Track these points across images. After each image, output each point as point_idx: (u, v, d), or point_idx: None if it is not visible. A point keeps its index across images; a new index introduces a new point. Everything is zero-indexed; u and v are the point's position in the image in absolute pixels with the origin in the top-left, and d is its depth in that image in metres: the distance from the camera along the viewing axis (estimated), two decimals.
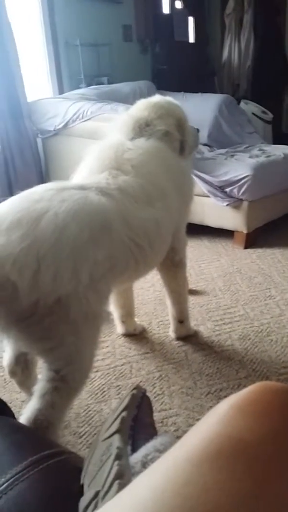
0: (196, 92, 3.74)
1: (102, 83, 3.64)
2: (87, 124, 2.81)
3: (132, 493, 0.42)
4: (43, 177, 3.19)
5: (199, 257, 2.68)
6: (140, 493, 0.40)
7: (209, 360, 1.74)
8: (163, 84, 4.06)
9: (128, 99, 3.37)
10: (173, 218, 1.51)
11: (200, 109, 3.59)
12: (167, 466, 0.42)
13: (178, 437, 0.47)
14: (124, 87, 3.52)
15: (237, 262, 2.59)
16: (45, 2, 3.30)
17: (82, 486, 0.58)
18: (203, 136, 3.50)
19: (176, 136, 1.61)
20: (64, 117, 2.88)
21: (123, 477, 0.52)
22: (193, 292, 2.27)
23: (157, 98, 1.68)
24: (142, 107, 1.62)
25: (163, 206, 1.37)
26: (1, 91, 2.88)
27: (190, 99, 3.69)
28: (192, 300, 2.20)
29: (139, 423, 0.64)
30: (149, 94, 3.70)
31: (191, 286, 2.31)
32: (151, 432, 0.64)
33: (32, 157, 3.07)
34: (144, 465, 0.54)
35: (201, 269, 2.52)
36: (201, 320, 2.02)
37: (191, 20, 4.90)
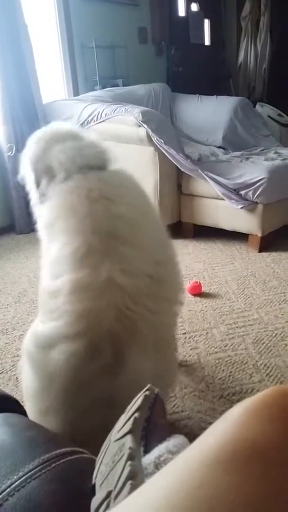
0: (211, 94, 3.74)
1: (117, 85, 3.64)
2: (101, 126, 2.81)
3: (146, 494, 0.41)
4: None
5: (213, 260, 2.67)
6: (153, 495, 0.40)
7: (222, 363, 1.73)
8: (178, 86, 4.06)
9: (143, 101, 3.38)
10: None
11: (215, 111, 3.58)
12: (181, 467, 0.42)
13: (190, 441, 0.46)
14: (139, 89, 3.53)
15: (251, 266, 2.57)
16: (61, 4, 3.32)
17: (94, 486, 0.58)
18: (218, 138, 3.49)
19: None
20: (79, 119, 2.89)
21: (136, 478, 0.52)
22: (206, 295, 2.26)
23: None
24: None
25: None
26: (16, 93, 2.90)
27: (205, 102, 3.68)
28: (205, 303, 2.18)
29: (152, 425, 0.63)
30: (163, 96, 3.73)
31: (204, 289, 2.30)
32: (164, 433, 0.64)
33: None
34: (157, 466, 0.54)
35: (215, 272, 2.51)
36: (214, 323, 2.01)
37: (206, 22, 4.90)
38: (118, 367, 1.01)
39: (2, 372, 1.73)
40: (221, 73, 5.20)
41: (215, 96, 3.71)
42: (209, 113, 3.60)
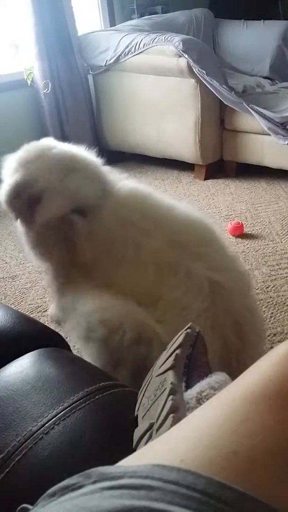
0: (258, 19, 3.43)
1: (156, 13, 3.41)
2: (140, 58, 2.67)
3: (188, 427, 0.41)
4: (94, 117, 3.12)
5: (256, 200, 2.57)
6: (195, 428, 0.40)
7: (263, 304, 1.71)
8: (221, 11, 3.74)
9: (184, 29, 3.16)
10: None
11: (262, 38, 3.31)
12: (224, 402, 0.41)
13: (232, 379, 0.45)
14: (179, 16, 3.29)
15: None
16: None
17: (136, 418, 0.59)
18: (265, 68, 3.26)
19: None
20: (116, 51, 2.75)
21: (178, 411, 0.52)
22: (248, 236, 2.20)
23: None
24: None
25: None
26: (51, 24, 2.76)
27: (251, 27, 3.40)
28: (247, 244, 2.14)
29: (193, 361, 0.63)
30: (206, 23, 3.47)
31: (247, 230, 2.24)
32: (205, 370, 0.64)
33: (83, 95, 2.98)
34: (199, 401, 0.54)
35: (258, 213, 2.43)
36: (255, 264, 1.97)
37: None
38: None
39: (47, 310, 1.79)
40: None
41: (262, 20, 3.41)
42: (255, 40, 3.33)
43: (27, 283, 1.98)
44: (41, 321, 1.36)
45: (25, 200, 1.16)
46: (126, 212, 1.15)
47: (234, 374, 0.43)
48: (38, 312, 1.78)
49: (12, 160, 1.20)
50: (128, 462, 0.38)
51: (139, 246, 1.12)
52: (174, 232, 1.15)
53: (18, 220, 1.22)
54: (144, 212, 1.16)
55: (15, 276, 2.05)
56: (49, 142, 1.26)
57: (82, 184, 1.16)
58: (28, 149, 1.21)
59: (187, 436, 0.39)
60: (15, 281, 2.01)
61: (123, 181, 1.25)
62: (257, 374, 0.42)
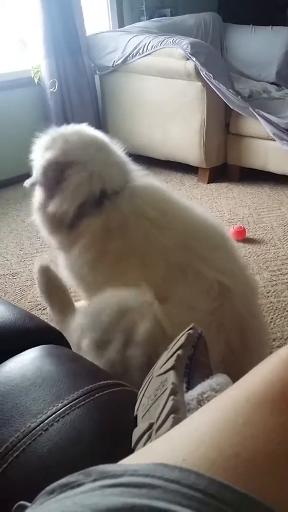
0: (266, 25, 3.44)
1: (165, 15, 3.43)
2: (147, 60, 2.67)
3: (189, 428, 0.41)
4: (100, 117, 3.13)
5: (259, 205, 2.57)
6: (197, 429, 0.40)
7: (264, 309, 1.70)
8: (230, 16, 3.75)
9: (192, 33, 3.16)
10: None
11: (270, 44, 3.32)
12: (226, 404, 0.41)
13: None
14: (187, 19, 3.29)
15: None
16: None
17: (135, 418, 0.59)
18: (271, 73, 3.26)
19: None
20: (124, 52, 2.75)
21: (178, 412, 0.52)
22: (250, 241, 2.20)
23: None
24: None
25: None
26: (59, 24, 2.77)
27: (259, 33, 3.41)
28: (248, 248, 2.13)
29: (194, 362, 0.63)
30: (214, 27, 3.48)
31: (249, 234, 2.24)
32: (206, 372, 0.63)
33: (89, 96, 2.99)
34: (200, 402, 0.54)
35: (260, 218, 2.43)
36: (257, 269, 1.97)
37: None
38: None
39: (46, 307, 1.79)
40: (278, 1, 4.74)
41: (270, 26, 3.42)
42: (263, 46, 3.33)
43: (27, 280, 1.98)
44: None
45: (55, 170, 1.17)
46: (142, 204, 1.16)
47: (234, 378, 0.43)
48: (38, 310, 1.78)
49: (47, 137, 1.25)
50: (129, 461, 0.38)
51: (151, 240, 1.13)
52: (188, 234, 1.16)
53: (41, 192, 1.23)
54: (160, 208, 1.17)
55: (16, 273, 2.04)
56: (84, 127, 1.31)
57: (110, 166, 1.20)
58: (64, 129, 1.26)
59: (189, 436, 0.39)
60: (15, 278, 2.01)
61: (144, 176, 1.28)
62: (258, 377, 0.42)
